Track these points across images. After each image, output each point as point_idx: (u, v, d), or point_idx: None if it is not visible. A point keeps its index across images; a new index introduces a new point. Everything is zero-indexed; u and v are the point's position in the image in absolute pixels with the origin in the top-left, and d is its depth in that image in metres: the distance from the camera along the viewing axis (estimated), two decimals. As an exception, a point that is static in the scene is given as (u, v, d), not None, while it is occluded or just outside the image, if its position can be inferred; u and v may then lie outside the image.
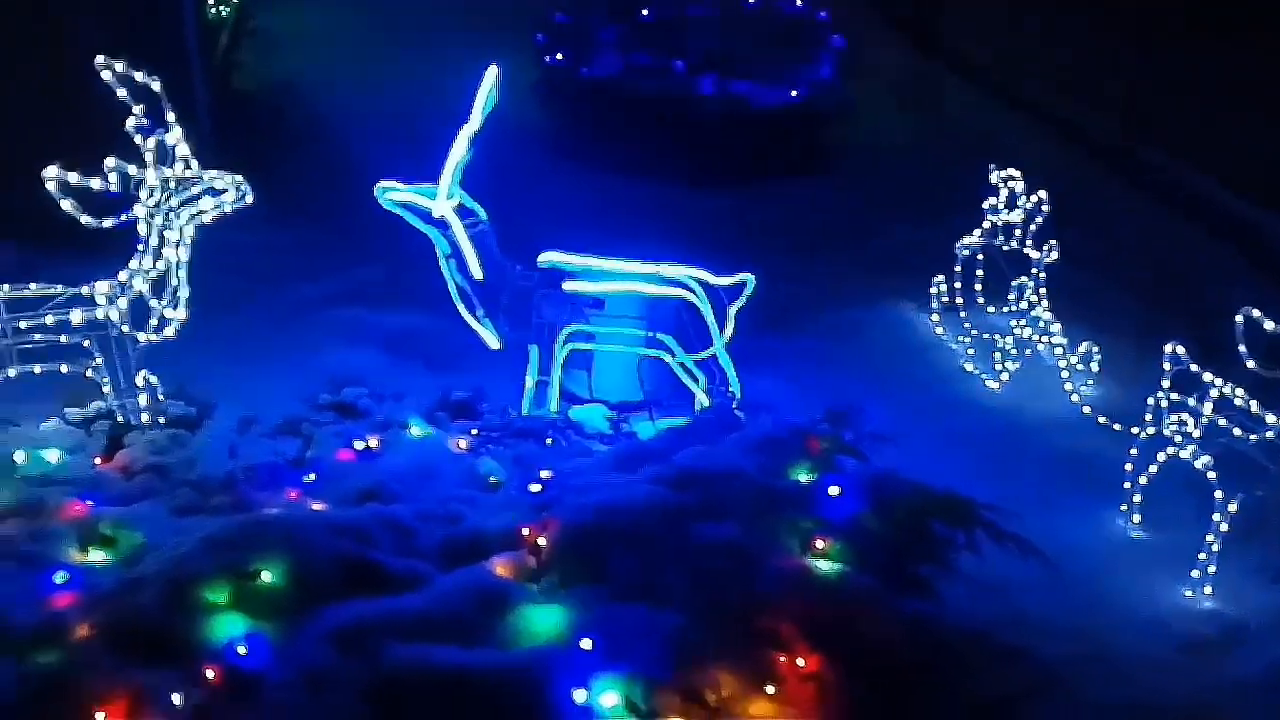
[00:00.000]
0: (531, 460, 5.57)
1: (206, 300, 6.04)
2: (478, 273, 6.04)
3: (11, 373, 5.69)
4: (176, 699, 3.96)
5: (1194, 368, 5.57)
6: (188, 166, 5.72)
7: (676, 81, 10.11)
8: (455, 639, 4.16)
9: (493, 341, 6.20)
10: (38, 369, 5.73)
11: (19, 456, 5.41)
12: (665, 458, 5.10)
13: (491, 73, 5.90)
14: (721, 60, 10.25)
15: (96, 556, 4.72)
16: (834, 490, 4.80)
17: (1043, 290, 7.18)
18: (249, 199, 5.81)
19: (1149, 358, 5.94)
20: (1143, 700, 4.70)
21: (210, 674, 4.02)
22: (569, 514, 4.65)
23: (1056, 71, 11.72)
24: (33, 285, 5.71)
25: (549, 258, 6.17)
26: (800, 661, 4.27)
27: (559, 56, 10.40)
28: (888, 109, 11.56)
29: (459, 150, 5.87)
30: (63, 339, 5.71)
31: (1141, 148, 10.44)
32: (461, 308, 6.16)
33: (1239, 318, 5.47)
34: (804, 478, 4.98)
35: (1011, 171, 7.33)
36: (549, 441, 5.84)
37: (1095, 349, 7.01)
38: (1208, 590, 5.41)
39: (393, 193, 6.01)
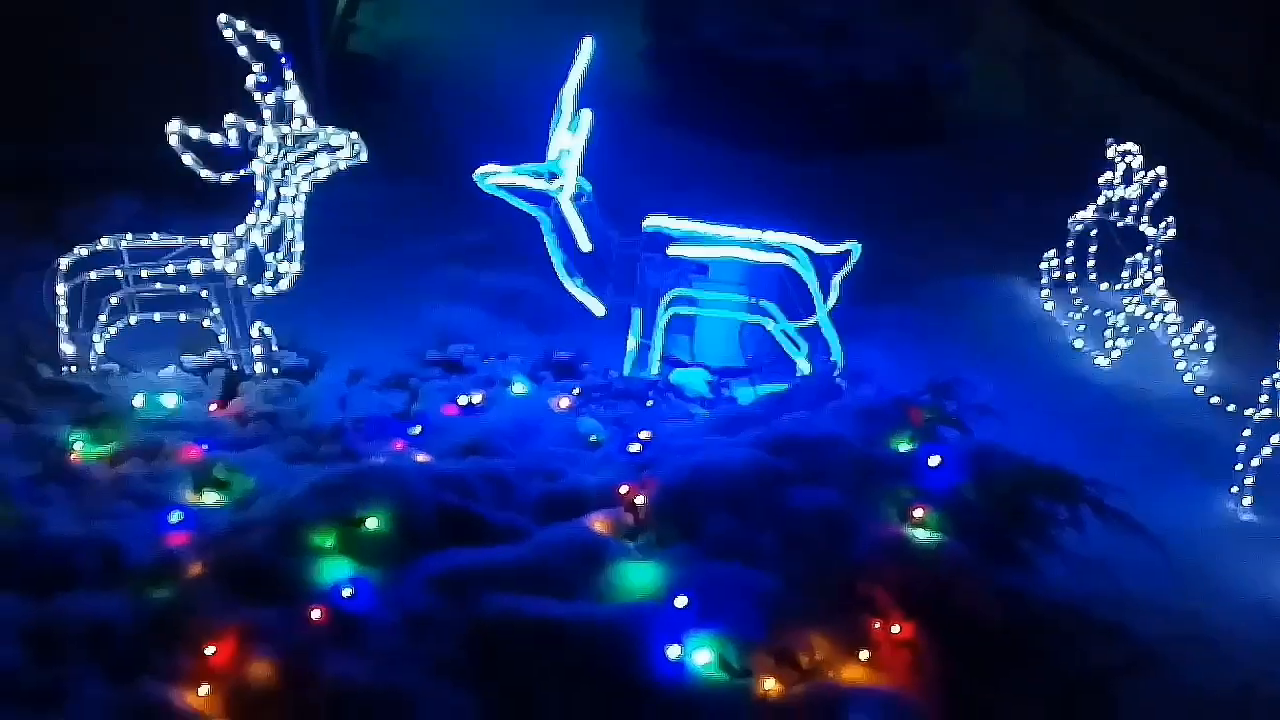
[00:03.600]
0: (631, 421, 5.62)
1: (320, 255, 6.18)
2: (586, 246, 6.09)
3: (133, 320, 5.90)
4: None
5: (1313, 349, 5.42)
6: (304, 123, 5.85)
7: (788, 49, 10.01)
8: (551, 591, 4.22)
9: (597, 308, 6.25)
10: (157, 317, 5.93)
11: (138, 400, 5.61)
12: (765, 423, 5.10)
13: (587, 45, 5.92)
14: (834, 28, 10.13)
15: (210, 498, 4.88)
16: (934, 460, 4.75)
17: (1158, 268, 7.02)
18: (363, 156, 5.93)
19: (1265, 339, 5.78)
20: (1244, 684, 4.59)
21: (316, 614, 4.13)
22: (668, 474, 4.68)
23: (1184, 46, 11.37)
24: (154, 236, 5.91)
25: (654, 222, 6.20)
26: (895, 628, 4.25)
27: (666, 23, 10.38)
28: (1005, 80, 11.34)
29: (580, 140, 5.90)
30: (182, 289, 5.90)
31: (1270, 126, 10.11)
32: (565, 277, 6.22)
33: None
34: (904, 447, 4.95)
35: (1129, 146, 7.15)
36: (649, 403, 5.88)
37: (1210, 329, 6.83)
38: (1319, 577, 5.28)
39: (495, 177, 6.05)
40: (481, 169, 6.07)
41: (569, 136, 5.92)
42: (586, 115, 5.90)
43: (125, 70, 7.53)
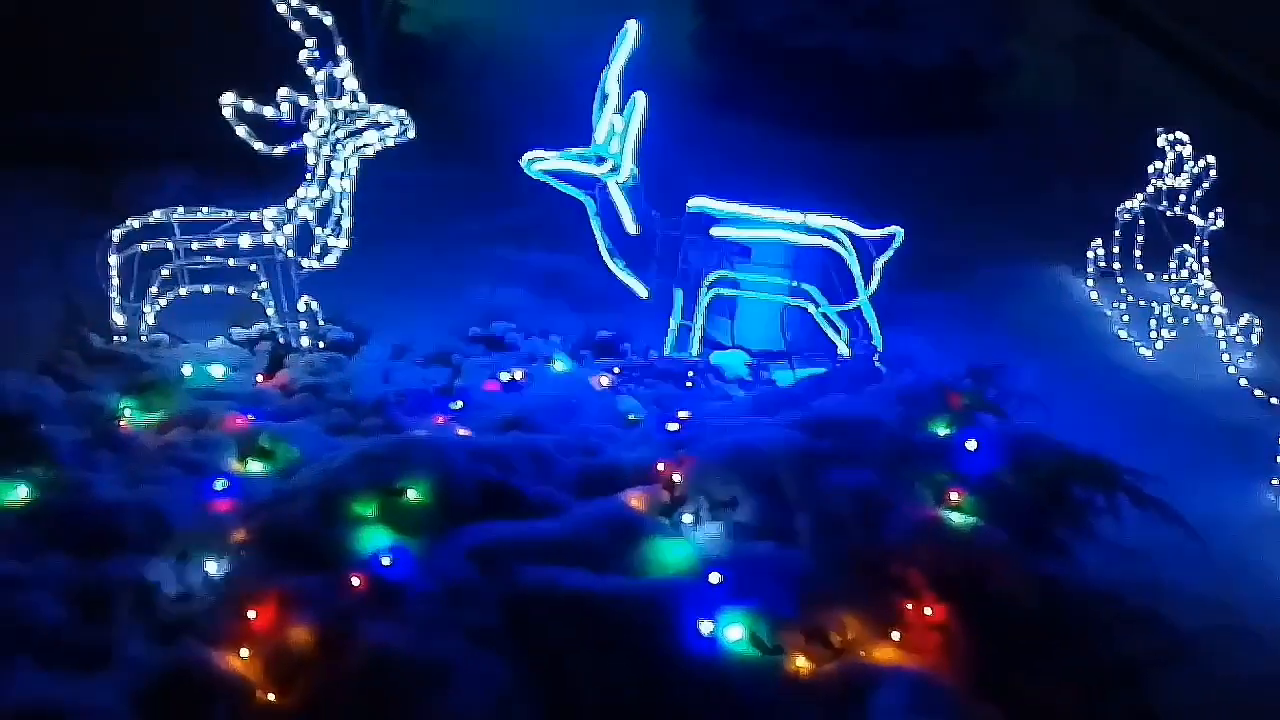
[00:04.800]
0: (670, 401, 5.65)
1: (367, 231, 6.26)
2: (632, 228, 6.13)
3: (183, 291, 6.00)
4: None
5: (1360, 342, 5.37)
6: (355, 99, 5.92)
7: (836, 34, 9.99)
8: (587, 564, 4.26)
9: (641, 290, 6.28)
10: (207, 289, 6.03)
11: (186, 370, 5.70)
12: (804, 404, 5.12)
13: (632, 28, 5.94)
14: (882, 13, 10.10)
15: (254, 467, 4.96)
16: (971, 445, 4.76)
17: (1205, 259, 6.97)
18: (411, 134, 5.99)
19: (1312, 333, 5.74)
20: (1278, 674, 4.58)
21: (356, 581, 4.20)
22: (705, 452, 4.71)
23: (1239, 35, 11.23)
24: (205, 209, 6.00)
25: (698, 203, 6.22)
26: (927, 610, 4.26)
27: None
28: (1054, 67, 11.25)
29: (636, 124, 5.92)
30: (231, 262, 5.99)
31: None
32: (609, 259, 6.25)
33: None
34: (942, 431, 4.95)
35: (1179, 135, 7.11)
36: (689, 383, 5.91)
37: (1257, 321, 6.78)
38: (1359, 571, 5.24)
39: (542, 163, 6.09)
40: (529, 155, 6.11)
41: (620, 120, 5.94)
42: (641, 99, 5.92)
43: (179, 43, 7.66)
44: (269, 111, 5.77)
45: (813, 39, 9.90)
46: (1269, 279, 7.41)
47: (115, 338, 5.96)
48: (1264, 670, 4.61)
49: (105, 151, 7.56)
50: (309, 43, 5.78)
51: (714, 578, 4.22)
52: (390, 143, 5.99)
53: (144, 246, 5.90)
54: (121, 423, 5.24)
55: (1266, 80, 10.75)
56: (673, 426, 5.16)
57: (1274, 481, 5.72)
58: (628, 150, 5.94)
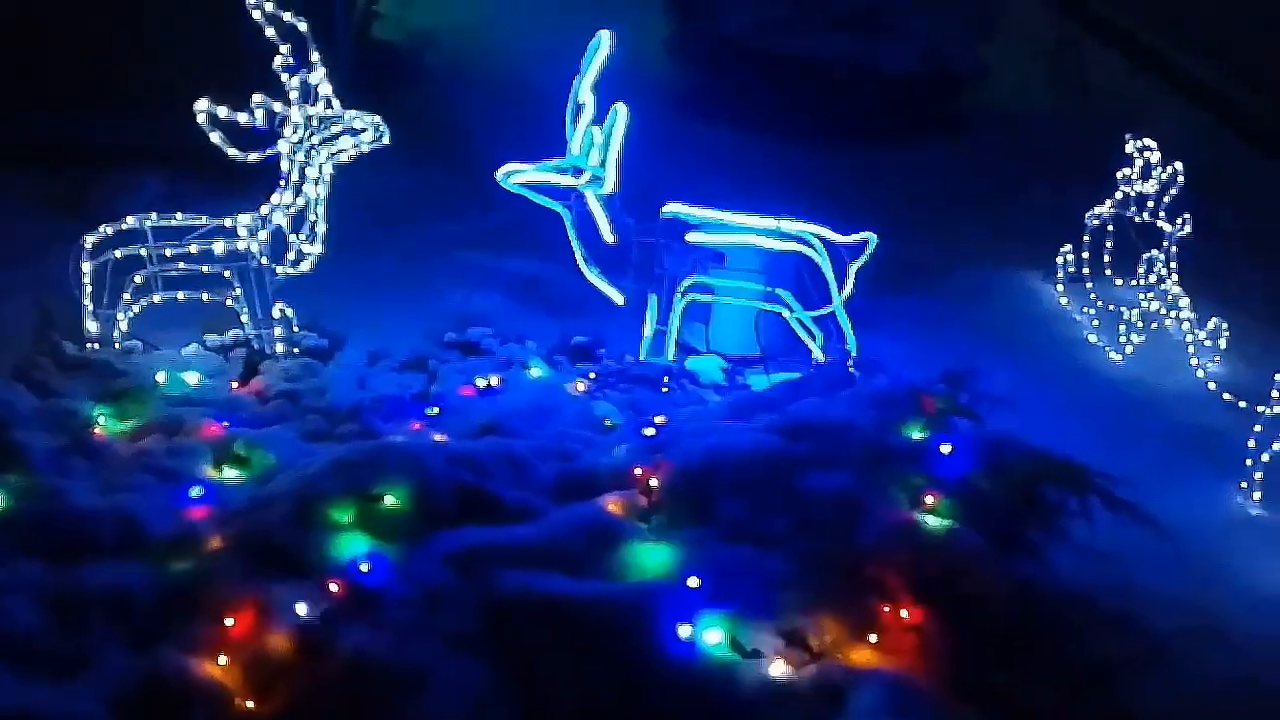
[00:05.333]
0: (646, 406, 5.68)
1: (342, 238, 6.25)
2: (609, 237, 6.14)
3: (156, 298, 5.97)
4: (301, 609, 4.14)
5: (1327, 345, 5.45)
6: (329, 105, 5.92)
7: (810, 40, 10.03)
8: (565, 569, 4.28)
9: (617, 298, 6.30)
10: (181, 296, 6.01)
11: (160, 377, 5.67)
12: (779, 408, 5.15)
13: (606, 39, 5.96)
14: (856, 19, 10.16)
15: (230, 474, 4.93)
16: (946, 448, 4.80)
17: (1173, 264, 7.05)
18: (386, 140, 5.99)
19: (1279, 336, 5.80)
20: (1252, 677, 4.62)
21: (334, 588, 4.20)
22: (681, 456, 4.74)
23: (1208, 42, 11.36)
24: (179, 215, 5.98)
25: (673, 209, 6.25)
26: (904, 613, 4.30)
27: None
28: (1025, 73, 11.34)
29: (619, 134, 5.94)
30: (205, 269, 5.97)
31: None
32: (586, 269, 6.27)
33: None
34: (917, 435, 4.99)
35: (1148, 141, 7.19)
36: (665, 389, 5.93)
37: (1224, 325, 6.86)
38: (1328, 572, 5.30)
39: (519, 175, 6.10)
40: (505, 168, 6.11)
41: (599, 131, 5.95)
42: (623, 110, 5.94)
43: (154, 49, 7.63)
44: (243, 118, 5.75)
45: (787, 44, 9.94)
46: (1236, 284, 7.51)
47: (88, 344, 5.92)
48: (1236, 672, 4.65)
49: (78, 156, 7.52)
50: (283, 49, 5.77)
51: (692, 582, 4.24)
52: (365, 148, 5.99)
53: (118, 253, 5.87)
54: (95, 430, 5.21)
55: (1235, 86, 10.87)
56: (649, 431, 5.19)
57: (1243, 484, 5.79)
58: (610, 162, 5.96)
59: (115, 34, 7.69)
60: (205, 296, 6.03)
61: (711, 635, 4.13)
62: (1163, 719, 4.38)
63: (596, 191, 6.05)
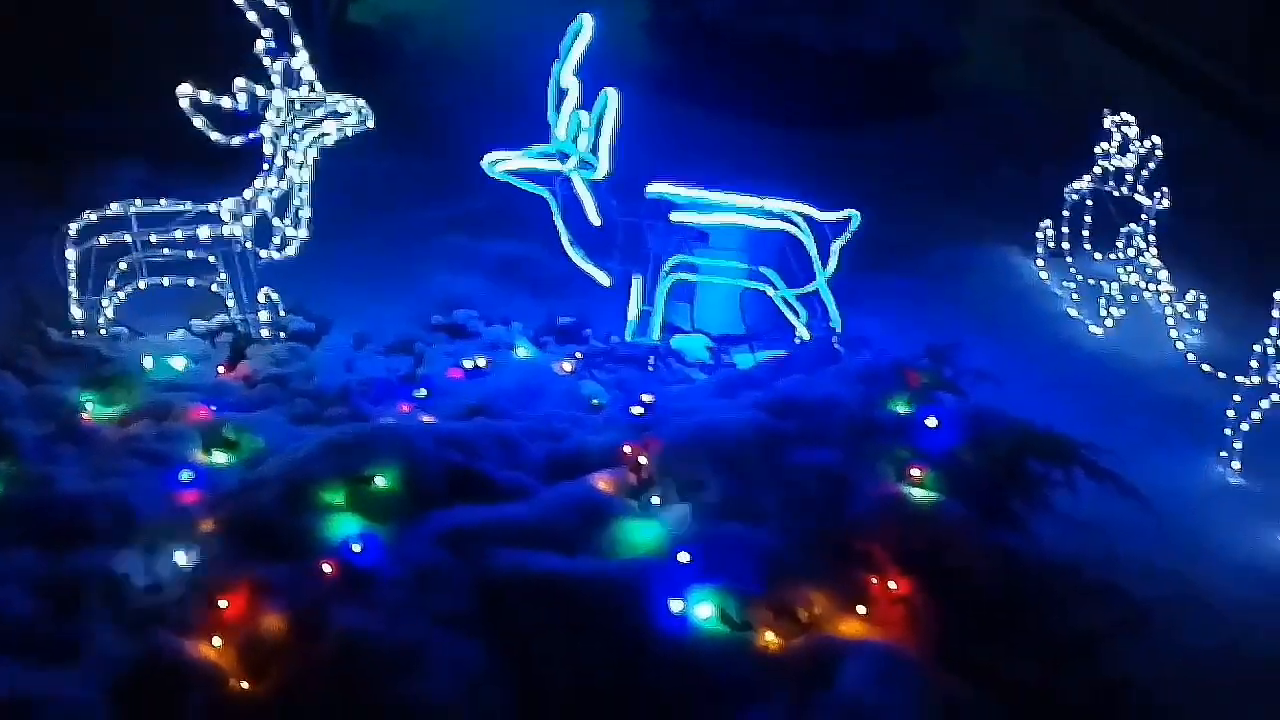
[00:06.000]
0: (633, 385, 5.72)
1: (325, 221, 6.25)
2: (596, 220, 6.17)
3: (141, 284, 5.98)
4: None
5: (1304, 316, 5.52)
6: (312, 89, 5.91)
7: (787, 21, 10.05)
8: (557, 547, 4.31)
9: (603, 279, 6.32)
10: (166, 281, 6.01)
11: (147, 363, 5.68)
12: (765, 386, 5.19)
13: (588, 23, 5.96)
14: (833, 1, 10.17)
15: (219, 458, 4.95)
16: (932, 422, 4.84)
17: (1152, 238, 7.12)
18: (370, 123, 5.99)
19: (1257, 309, 5.88)
20: (1232, 641, 4.70)
21: (327, 569, 4.21)
22: (670, 434, 4.77)
23: (1183, 20, 11.42)
24: (163, 201, 5.98)
25: (657, 188, 6.27)
26: (891, 584, 4.34)
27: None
28: (1002, 52, 11.39)
29: (611, 118, 5.94)
30: (190, 254, 5.97)
31: (1266, 100, 10.18)
32: (572, 252, 6.28)
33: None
34: (902, 410, 5.03)
35: (1125, 116, 7.24)
36: (650, 366, 5.96)
37: (1203, 298, 6.93)
38: (1307, 539, 5.39)
39: (505, 163, 6.10)
40: (490, 156, 6.12)
41: (587, 116, 5.97)
42: (614, 95, 5.95)
43: (130, 35, 7.59)
44: (226, 102, 5.75)
45: (765, 25, 9.96)
46: (1213, 257, 7.57)
47: (73, 332, 5.92)
48: (1218, 639, 4.73)
49: (58, 146, 7.48)
50: (265, 32, 5.76)
51: (682, 557, 4.27)
52: (349, 132, 5.99)
53: (102, 239, 5.87)
54: (83, 416, 5.21)
55: (1207, 62, 10.94)
56: (637, 410, 5.22)
57: (1222, 453, 5.86)
58: (603, 147, 5.97)
59: (91, 21, 7.64)
60: (190, 282, 6.03)
61: (703, 609, 4.17)
62: (1147, 686, 4.40)
63: (587, 176, 6.06)
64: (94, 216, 5.88)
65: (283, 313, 6.21)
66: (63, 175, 7.27)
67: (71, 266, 5.87)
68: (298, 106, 5.87)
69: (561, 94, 6.04)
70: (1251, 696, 4.55)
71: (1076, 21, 12.41)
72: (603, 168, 6.03)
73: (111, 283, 5.92)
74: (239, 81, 5.75)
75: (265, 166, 5.95)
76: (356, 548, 4.28)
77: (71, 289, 5.90)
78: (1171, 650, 4.59)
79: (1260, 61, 10.32)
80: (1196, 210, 7.65)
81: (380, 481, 4.55)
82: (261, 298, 6.10)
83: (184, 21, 7.47)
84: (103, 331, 5.94)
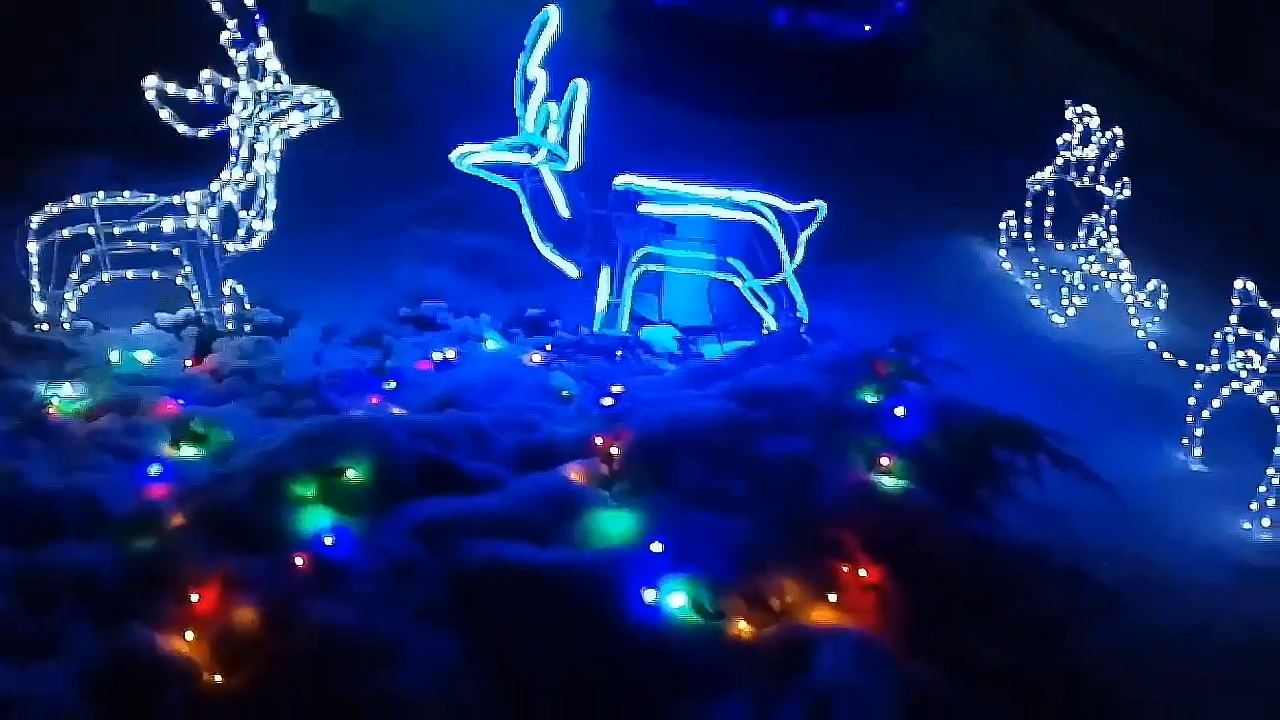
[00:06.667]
0: (602, 376, 5.71)
1: (291, 214, 6.22)
2: (565, 212, 6.17)
3: (105, 278, 5.93)
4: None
5: (1263, 304, 5.61)
6: (278, 80, 5.88)
7: (751, 12, 10.07)
8: (530, 538, 4.32)
9: (572, 272, 6.33)
10: (130, 274, 5.97)
11: (113, 357, 5.63)
12: (735, 376, 5.21)
13: (554, 15, 5.96)
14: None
15: (188, 452, 4.92)
16: (900, 411, 4.88)
17: (1113, 228, 7.20)
18: (336, 115, 5.97)
19: (1217, 298, 5.98)
20: (1198, 625, 4.80)
21: (300, 562, 4.20)
22: (641, 424, 4.78)
23: (1143, 13, 11.54)
24: (127, 193, 5.92)
25: (624, 180, 6.28)
26: (862, 572, 4.39)
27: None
28: (966, 46, 11.46)
29: (580, 110, 5.94)
30: (154, 247, 5.92)
31: (1222, 92, 10.33)
32: (541, 244, 6.29)
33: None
34: (870, 399, 5.07)
35: (1087, 107, 7.33)
36: (619, 355, 5.98)
37: (1163, 287, 7.03)
38: (1266, 523, 5.49)
39: (474, 157, 6.09)
40: (459, 150, 6.11)
41: (556, 108, 5.97)
42: (583, 86, 5.95)
43: (93, 25, 7.51)
44: (192, 94, 5.71)
45: (729, 15, 9.96)
46: (1173, 246, 7.68)
47: (36, 326, 5.86)
48: (1181, 620, 4.83)
49: (16, 138, 7.39)
50: (230, 24, 5.73)
51: (655, 547, 4.30)
52: (315, 124, 5.97)
53: (65, 232, 5.81)
54: (50, 410, 5.16)
55: (1169, 53, 11.07)
56: (607, 401, 5.23)
57: (1183, 440, 5.95)
58: (573, 139, 5.98)
59: (53, 12, 7.55)
60: (155, 275, 5.98)
61: (676, 599, 4.20)
62: (1112, 668, 4.51)
63: (556, 168, 6.06)
64: (56, 209, 5.83)
65: (248, 305, 6.18)
66: (20, 169, 7.18)
67: (34, 260, 5.81)
68: (264, 99, 5.84)
69: (528, 86, 6.04)
70: (1216, 677, 4.63)
71: (1040, 14, 12.50)
72: (573, 160, 6.03)
73: (74, 276, 5.86)
74: (205, 73, 5.71)
75: (231, 159, 5.91)
76: (329, 540, 4.27)
77: (34, 283, 5.84)
78: (1137, 633, 4.70)
79: (1221, 52, 10.45)
80: (1157, 200, 7.74)
81: (351, 474, 4.53)
82: (226, 290, 6.06)
83: (148, 13, 7.40)
84: (66, 325, 5.88)
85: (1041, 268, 7.42)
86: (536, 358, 5.90)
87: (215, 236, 5.96)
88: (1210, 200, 8.59)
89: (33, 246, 5.81)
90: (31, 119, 7.50)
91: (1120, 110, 7.65)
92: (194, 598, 4.13)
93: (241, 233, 6.01)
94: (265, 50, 5.82)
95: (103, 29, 7.52)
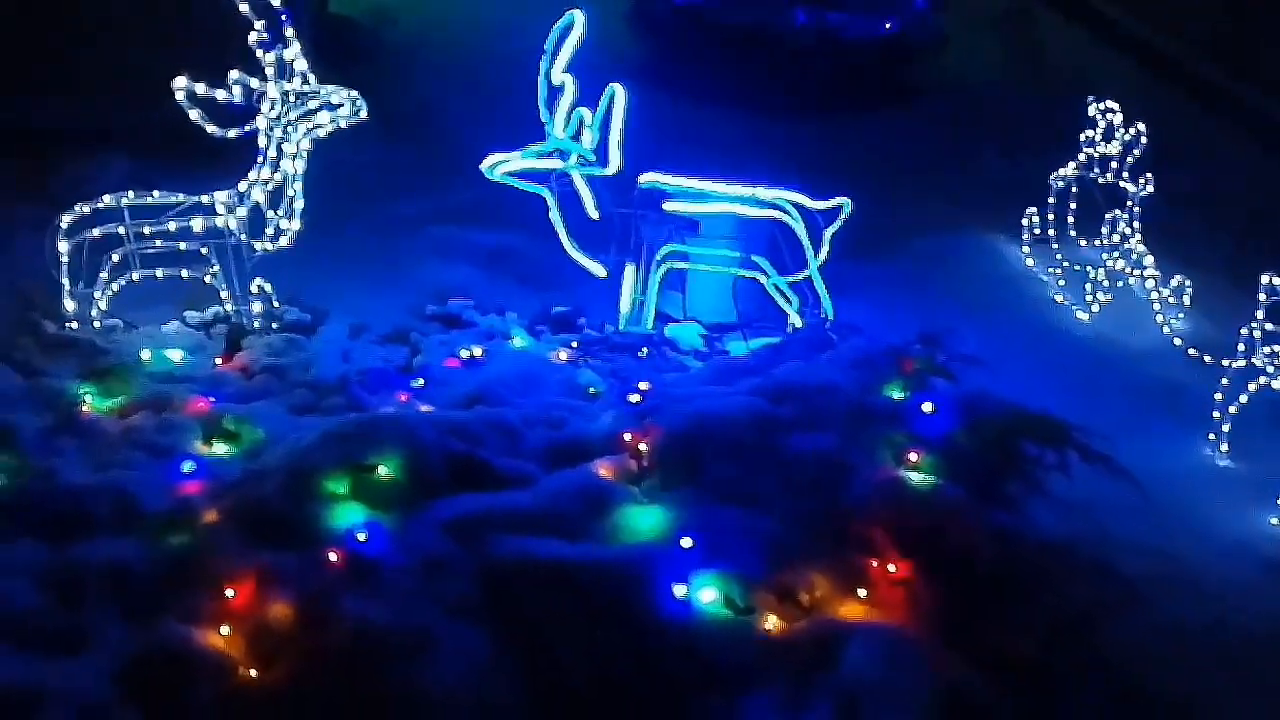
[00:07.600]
0: (629, 373, 5.76)
1: (318, 213, 6.25)
2: (595, 215, 6.20)
3: (135, 277, 5.97)
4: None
5: (1290, 299, 5.61)
6: (305, 81, 5.91)
7: (770, 11, 10.09)
8: (560, 534, 4.36)
9: (600, 271, 6.35)
10: (159, 274, 6.01)
11: (145, 355, 5.69)
12: (762, 372, 5.24)
13: (579, 20, 5.98)
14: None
15: (220, 449, 4.97)
16: (928, 406, 4.91)
17: (1136, 224, 7.20)
18: (364, 114, 5.99)
19: (1241, 293, 5.97)
20: (1224, 620, 4.78)
21: (333, 557, 4.24)
22: (670, 421, 4.81)
23: (1159, 9, 11.52)
24: (156, 193, 5.97)
25: (649, 178, 6.30)
26: (891, 567, 4.41)
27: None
28: (983, 42, 11.46)
29: (618, 115, 5.97)
30: (183, 246, 5.97)
31: (1240, 87, 10.30)
32: (571, 247, 6.31)
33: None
34: (897, 395, 5.09)
35: (1110, 104, 7.32)
36: (643, 353, 6.01)
37: (1187, 283, 7.02)
38: (1293, 519, 5.48)
39: (505, 165, 6.12)
40: (489, 160, 6.13)
41: (589, 113, 5.99)
42: (620, 91, 5.97)
43: (113, 28, 7.54)
44: (221, 95, 5.75)
45: (748, 16, 9.98)
46: (1197, 242, 7.68)
47: (67, 324, 5.90)
48: (1206, 615, 4.81)
49: (43, 140, 7.43)
50: (258, 25, 5.76)
51: (685, 542, 4.32)
52: (343, 124, 5.99)
53: (95, 232, 5.86)
54: (83, 408, 5.21)
55: (1187, 51, 11.05)
56: (634, 398, 5.26)
57: (1210, 436, 5.95)
58: (613, 143, 6.00)
59: (76, 14, 7.60)
60: (184, 273, 6.03)
61: (706, 594, 4.22)
62: (1138, 662, 4.50)
63: (589, 172, 6.09)
64: (86, 209, 5.87)
65: (276, 304, 6.22)
66: (48, 170, 7.24)
67: (64, 259, 5.86)
68: (292, 99, 5.87)
69: (553, 91, 6.04)
70: (1241, 671, 4.62)
71: (1055, 10, 12.49)
72: (614, 164, 6.05)
73: (104, 275, 5.91)
74: (234, 74, 5.75)
75: (259, 159, 5.95)
76: (361, 536, 4.30)
77: (64, 282, 5.89)
78: (1162, 626, 4.68)
79: (1240, 49, 10.42)
80: (1180, 196, 7.73)
81: (383, 470, 4.57)
82: (254, 289, 6.10)
83: (167, 13, 7.43)
84: (96, 324, 5.93)
85: (1065, 264, 7.41)
86: (563, 355, 5.93)
87: (243, 235, 6.00)
88: (1230, 195, 8.57)
89: (63, 245, 5.85)
90: (52, 122, 7.52)
91: (1141, 106, 7.63)
92: (228, 593, 4.16)
93: (269, 231, 6.05)
94: (293, 51, 5.85)
95: (122, 29, 7.54)
